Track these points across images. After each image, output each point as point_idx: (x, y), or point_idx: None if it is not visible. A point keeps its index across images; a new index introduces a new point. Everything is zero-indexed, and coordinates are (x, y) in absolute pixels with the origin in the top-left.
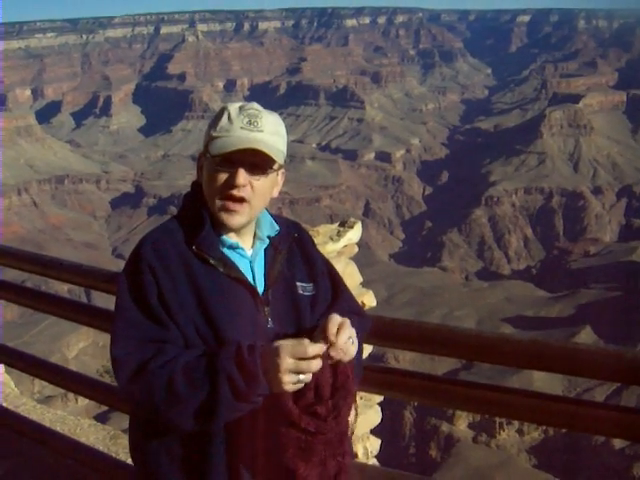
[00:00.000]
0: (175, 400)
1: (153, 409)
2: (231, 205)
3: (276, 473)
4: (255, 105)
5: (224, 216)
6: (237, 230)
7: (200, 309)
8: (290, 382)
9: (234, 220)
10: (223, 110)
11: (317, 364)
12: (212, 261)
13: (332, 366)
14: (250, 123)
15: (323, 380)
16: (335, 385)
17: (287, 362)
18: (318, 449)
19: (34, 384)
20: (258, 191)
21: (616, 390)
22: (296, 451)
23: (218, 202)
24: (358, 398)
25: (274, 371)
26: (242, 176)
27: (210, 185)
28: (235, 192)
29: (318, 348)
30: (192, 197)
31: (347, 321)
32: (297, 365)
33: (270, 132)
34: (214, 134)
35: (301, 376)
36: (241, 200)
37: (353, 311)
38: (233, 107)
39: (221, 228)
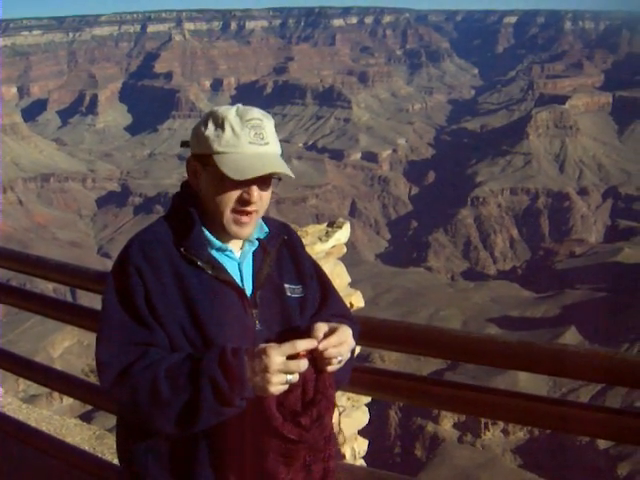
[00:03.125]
0: (158, 403)
1: (137, 412)
2: (243, 218)
3: (261, 478)
4: (254, 112)
5: (235, 228)
6: (243, 239)
7: (188, 311)
8: (278, 383)
9: (246, 232)
10: (223, 120)
11: (305, 363)
12: (200, 263)
13: (314, 373)
14: (256, 136)
15: (307, 382)
16: (316, 393)
17: (277, 361)
18: (300, 455)
19: (18, 383)
20: (264, 201)
21: (600, 391)
22: (277, 456)
23: (229, 215)
24: (346, 399)
25: (263, 372)
26: (256, 193)
27: (220, 200)
28: (249, 208)
29: (307, 343)
30: (181, 198)
31: (351, 341)
32: (286, 365)
33: (273, 142)
34: (219, 149)
35: (289, 376)
36: (251, 213)
37: (342, 314)
38: (231, 116)
39: (218, 234)
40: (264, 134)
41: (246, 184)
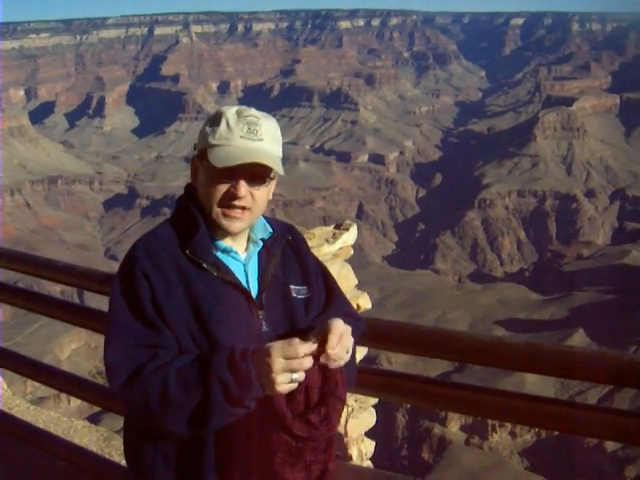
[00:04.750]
0: (169, 405)
1: (147, 414)
2: (232, 212)
3: (265, 478)
4: (253, 111)
5: (225, 222)
6: (233, 234)
7: (194, 313)
8: (284, 382)
9: (235, 226)
10: (221, 116)
11: (309, 362)
12: (205, 265)
13: (322, 371)
14: (250, 131)
15: (312, 384)
16: (324, 390)
17: (279, 362)
18: (305, 455)
19: (26, 385)
20: (258, 200)
21: (608, 393)
22: (285, 456)
23: (218, 209)
24: (353, 401)
25: (267, 372)
26: (244, 188)
27: (209, 193)
28: (236, 202)
29: (308, 347)
30: (186, 200)
31: (347, 330)
32: (289, 364)
33: (269, 140)
34: (213, 142)
35: (294, 375)
36: (242, 208)
37: (347, 313)
38: (231, 112)
39: (215, 232)
40: (259, 130)
41: (234, 178)
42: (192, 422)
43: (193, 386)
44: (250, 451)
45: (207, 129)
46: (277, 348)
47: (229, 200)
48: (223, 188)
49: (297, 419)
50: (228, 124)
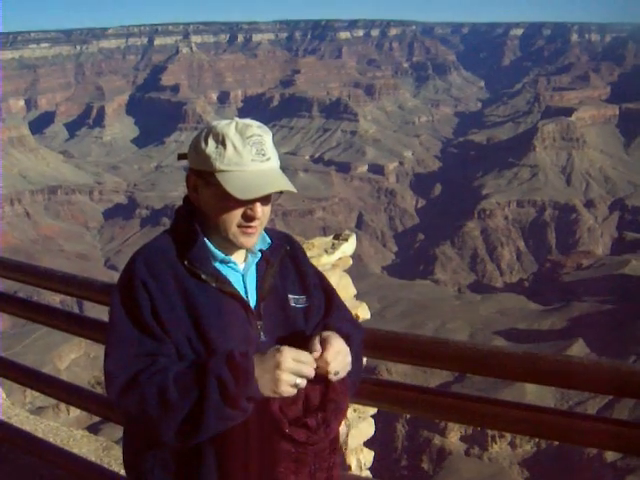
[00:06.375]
0: (166, 408)
1: (144, 420)
2: (248, 230)
3: None
4: (254, 128)
5: (242, 239)
6: (248, 249)
7: (193, 324)
8: (288, 382)
9: (251, 242)
10: (224, 138)
11: (312, 372)
12: (204, 276)
13: (323, 380)
14: (258, 152)
15: (312, 392)
16: (325, 399)
17: (289, 361)
18: (308, 461)
19: (25, 395)
20: (266, 214)
21: (608, 403)
22: (288, 465)
23: (235, 229)
24: (352, 410)
25: (274, 369)
26: (260, 209)
27: (225, 217)
28: (253, 223)
29: (316, 356)
30: (184, 211)
31: (344, 349)
32: (298, 367)
33: (274, 156)
34: (222, 167)
35: (298, 379)
36: (256, 225)
37: (346, 320)
38: (232, 133)
39: (219, 244)
40: (265, 150)
41: (250, 201)
42: (187, 425)
43: (191, 386)
44: (250, 461)
45: (210, 151)
46: (290, 349)
47: (246, 221)
48: (239, 211)
49: (294, 424)
50: (235, 147)
